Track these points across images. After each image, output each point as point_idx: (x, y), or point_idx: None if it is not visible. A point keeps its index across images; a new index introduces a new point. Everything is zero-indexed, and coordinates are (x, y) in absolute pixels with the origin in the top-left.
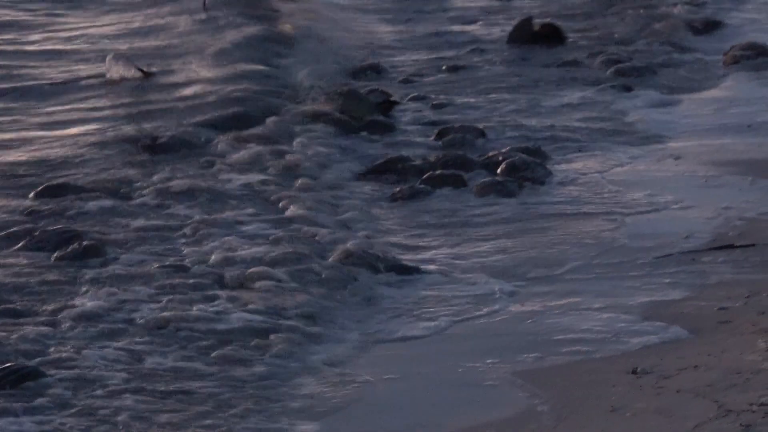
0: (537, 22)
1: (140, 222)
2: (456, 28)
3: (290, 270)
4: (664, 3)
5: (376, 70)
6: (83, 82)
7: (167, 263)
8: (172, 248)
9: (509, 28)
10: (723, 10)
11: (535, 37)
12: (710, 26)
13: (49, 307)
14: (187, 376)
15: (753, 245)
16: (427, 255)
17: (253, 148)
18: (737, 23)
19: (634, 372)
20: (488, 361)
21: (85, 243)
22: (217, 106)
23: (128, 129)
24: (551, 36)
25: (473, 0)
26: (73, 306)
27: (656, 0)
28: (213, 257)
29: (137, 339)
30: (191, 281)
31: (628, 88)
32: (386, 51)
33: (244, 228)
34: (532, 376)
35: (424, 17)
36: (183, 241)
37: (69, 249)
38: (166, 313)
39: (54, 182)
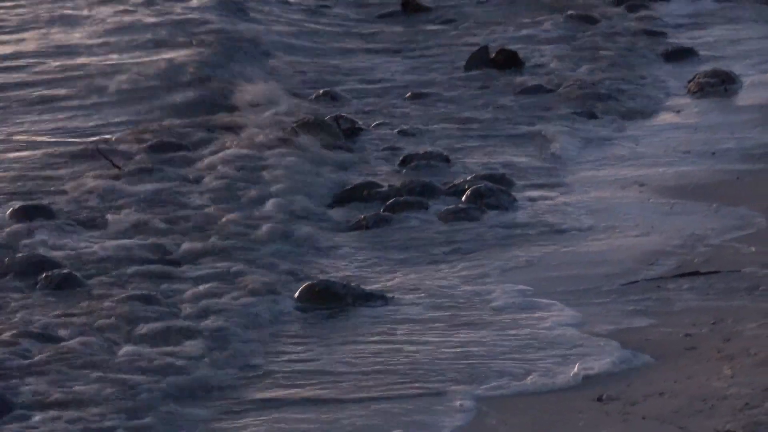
0: (493, 47)
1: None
2: (416, 54)
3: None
4: (629, 31)
5: (336, 97)
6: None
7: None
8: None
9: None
10: (688, 37)
11: (493, 64)
12: (676, 54)
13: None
14: None
15: (718, 272)
16: (391, 282)
17: (222, 172)
18: (703, 51)
19: (600, 399)
20: (454, 387)
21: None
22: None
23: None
24: (509, 62)
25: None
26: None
27: (620, 28)
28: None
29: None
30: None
31: (591, 115)
32: (349, 77)
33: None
34: (498, 403)
35: (386, 44)
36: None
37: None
38: None
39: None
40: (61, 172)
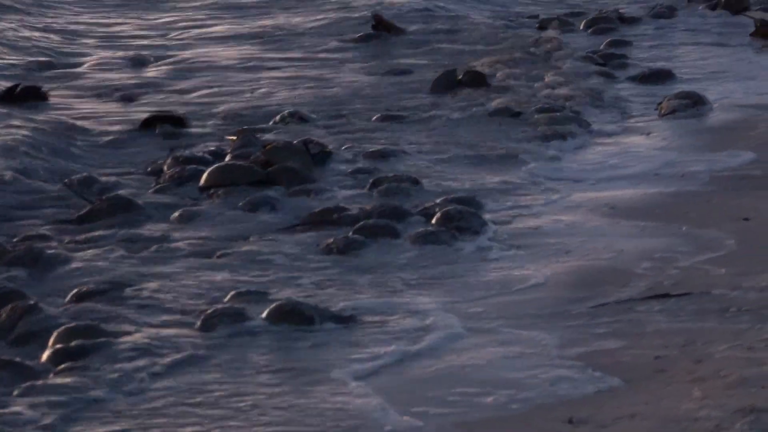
0: (461, 68)
1: None
2: (385, 75)
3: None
4: (598, 54)
5: (304, 119)
6: None
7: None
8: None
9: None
10: (658, 59)
11: (459, 85)
12: (647, 76)
13: None
14: None
15: (688, 294)
16: (359, 304)
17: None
18: (675, 72)
19: (570, 422)
20: (418, 410)
21: None
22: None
23: None
24: (476, 83)
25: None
26: None
27: (589, 50)
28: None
29: None
30: None
31: (561, 136)
32: (316, 99)
33: (190, 273)
34: (466, 426)
35: (356, 65)
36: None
37: None
38: None
39: None
40: None
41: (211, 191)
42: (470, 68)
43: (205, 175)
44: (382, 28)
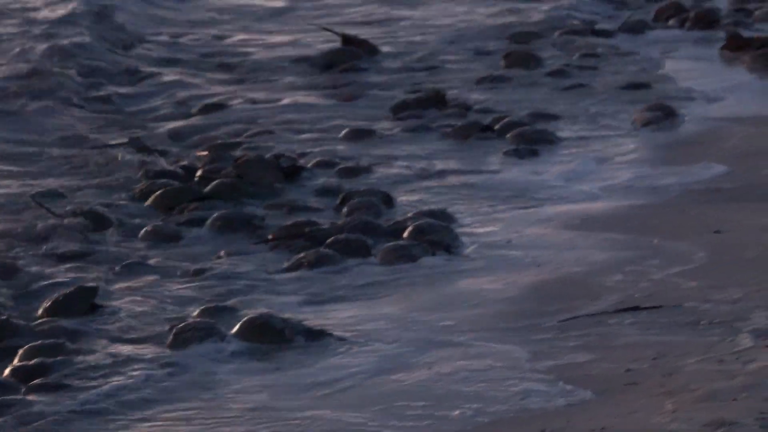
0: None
1: None
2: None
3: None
4: (572, 67)
5: (273, 133)
6: None
7: None
8: None
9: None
10: (630, 72)
11: (420, 103)
12: (623, 88)
13: None
14: None
15: (659, 307)
16: (330, 319)
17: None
18: (650, 87)
19: None
20: (388, 423)
21: None
22: None
23: None
24: (436, 101)
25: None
26: None
27: (561, 65)
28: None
29: None
30: None
31: (533, 152)
32: (287, 114)
33: (160, 289)
34: None
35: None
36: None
37: None
38: None
39: None
40: None
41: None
42: (434, 87)
43: (151, 199)
44: (351, 42)
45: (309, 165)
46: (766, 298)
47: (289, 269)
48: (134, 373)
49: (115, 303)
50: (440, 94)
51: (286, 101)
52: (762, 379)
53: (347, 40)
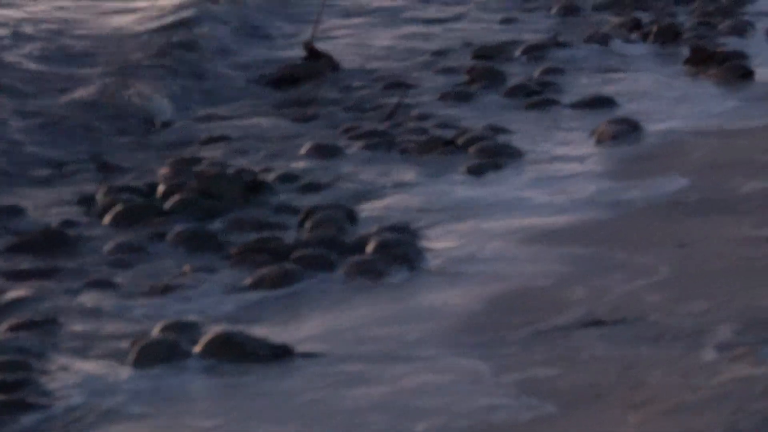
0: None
1: None
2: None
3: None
4: (533, 82)
5: (234, 148)
6: None
7: None
8: None
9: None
10: (593, 85)
11: (384, 118)
12: (588, 102)
13: None
14: None
15: (624, 320)
16: (295, 336)
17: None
18: (615, 100)
19: None
20: None
21: None
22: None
23: None
24: (395, 115)
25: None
26: None
27: (523, 79)
28: None
29: None
30: None
31: (497, 166)
32: (248, 128)
33: (123, 306)
34: None
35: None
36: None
37: None
38: None
39: None
40: None
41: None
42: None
43: (112, 215)
44: (313, 55)
45: (271, 180)
46: (730, 311)
47: (252, 285)
48: (95, 389)
49: (76, 320)
50: (399, 105)
51: (247, 116)
52: (728, 392)
53: (312, 53)
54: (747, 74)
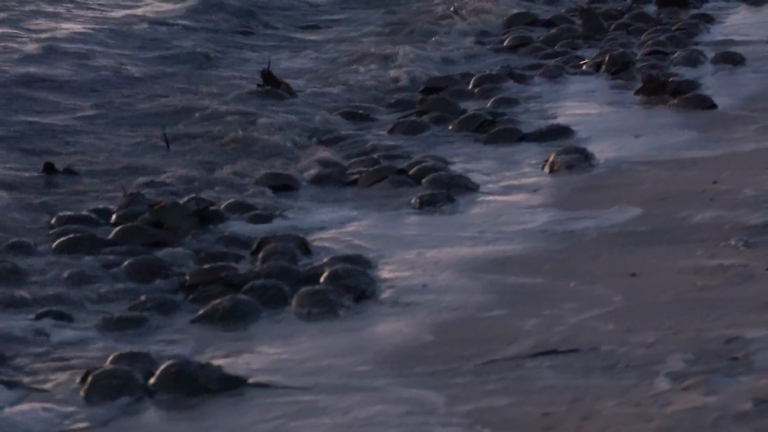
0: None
1: None
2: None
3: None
4: (487, 111)
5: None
6: None
7: None
8: None
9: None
10: (547, 116)
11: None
12: (544, 133)
13: None
14: None
15: (576, 350)
16: (248, 367)
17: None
18: (568, 130)
19: None
20: None
21: None
22: None
23: None
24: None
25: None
26: None
27: (475, 108)
28: None
29: None
30: None
31: (449, 198)
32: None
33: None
34: None
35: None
36: None
37: None
38: None
39: None
40: None
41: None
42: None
43: (55, 244)
44: (271, 82)
45: (223, 209)
46: (682, 341)
47: (205, 315)
48: (46, 417)
49: (28, 351)
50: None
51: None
52: (679, 421)
53: (268, 78)
54: (711, 106)
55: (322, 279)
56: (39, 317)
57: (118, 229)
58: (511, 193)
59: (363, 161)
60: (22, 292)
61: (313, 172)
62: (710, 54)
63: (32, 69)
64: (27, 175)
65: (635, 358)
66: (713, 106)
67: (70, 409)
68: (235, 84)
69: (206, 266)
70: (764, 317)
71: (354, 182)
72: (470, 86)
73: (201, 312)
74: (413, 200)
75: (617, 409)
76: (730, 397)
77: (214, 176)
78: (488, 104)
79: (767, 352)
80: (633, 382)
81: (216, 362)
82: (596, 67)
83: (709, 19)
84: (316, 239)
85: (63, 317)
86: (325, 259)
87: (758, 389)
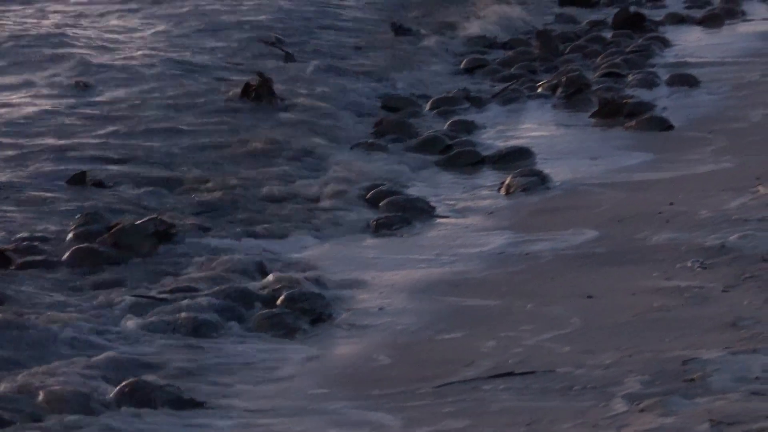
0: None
1: None
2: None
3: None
4: (447, 135)
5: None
6: None
7: None
8: None
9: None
10: (504, 138)
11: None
12: (504, 156)
13: None
14: None
15: (533, 372)
16: (206, 389)
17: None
18: (529, 152)
19: None
20: None
21: None
22: None
23: None
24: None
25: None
26: None
27: (436, 131)
28: None
29: None
30: None
31: (406, 221)
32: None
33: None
34: None
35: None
36: None
37: None
38: None
39: None
40: None
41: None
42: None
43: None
44: (253, 93)
45: (181, 230)
46: (638, 362)
47: (165, 332)
48: None
49: None
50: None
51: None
52: None
53: (262, 84)
54: (669, 127)
55: (279, 302)
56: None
57: (73, 249)
58: (468, 216)
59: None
60: None
61: (271, 187)
62: (665, 76)
63: None
64: None
65: (592, 380)
66: (670, 127)
67: (29, 422)
68: None
69: (168, 286)
70: (721, 338)
71: (314, 201)
72: (428, 108)
73: (164, 330)
74: (370, 223)
75: (574, 431)
76: (687, 418)
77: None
78: (445, 126)
79: (724, 373)
80: (590, 403)
81: (175, 382)
82: (552, 90)
83: (664, 42)
84: (274, 261)
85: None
86: (282, 282)
87: (715, 411)
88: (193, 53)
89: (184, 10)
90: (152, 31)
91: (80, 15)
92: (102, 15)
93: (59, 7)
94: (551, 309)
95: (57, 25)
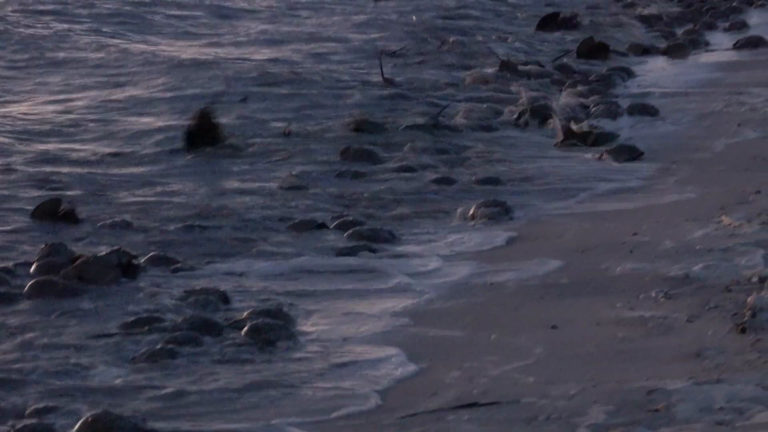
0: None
1: None
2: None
3: None
4: (420, 165)
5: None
6: None
7: None
8: None
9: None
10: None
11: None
12: (466, 185)
13: None
14: None
15: (497, 403)
16: (167, 418)
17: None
18: (496, 181)
19: None
20: None
21: None
22: None
23: None
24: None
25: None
26: None
27: (413, 162)
28: None
29: None
30: None
31: (371, 250)
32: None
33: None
34: None
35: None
36: None
37: None
38: None
39: None
40: None
41: None
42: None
43: None
44: (201, 133)
45: (143, 262)
46: (603, 393)
47: (130, 363)
48: None
49: None
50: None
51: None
52: None
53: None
54: (637, 155)
55: (243, 332)
56: None
57: (33, 282)
58: (432, 245)
59: (290, 207)
60: None
61: (233, 216)
62: (627, 105)
63: None
64: None
65: (556, 410)
66: (641, 154)
67: None
68: None
69: (131, 317)
70: (685, 368)
71: (274, 230)
72: (398, 133)
73: (131, 358)
74: (334, 252)
75: None
76: None
77: (136, 223)
78: (415, 153)
79: (688, 403)
80: None
81: (137, 411)
82: (517, 118)
83: (628, 72)
84: (237, 291)
85: None
86: (245, 313)
87: None
88: None
89: None
90: None
91: None
92: None
93: None
94: (515, 339)
95: None
